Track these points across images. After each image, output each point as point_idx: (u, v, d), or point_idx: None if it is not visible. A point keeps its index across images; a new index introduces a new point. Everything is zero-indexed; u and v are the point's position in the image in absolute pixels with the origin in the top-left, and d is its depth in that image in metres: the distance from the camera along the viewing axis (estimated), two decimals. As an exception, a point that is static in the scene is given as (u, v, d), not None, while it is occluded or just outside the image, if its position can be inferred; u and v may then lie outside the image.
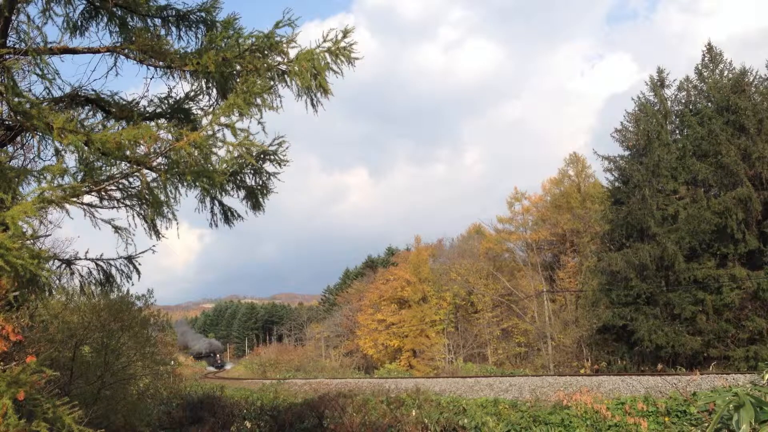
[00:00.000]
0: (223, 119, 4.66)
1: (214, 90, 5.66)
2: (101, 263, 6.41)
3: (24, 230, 3.86)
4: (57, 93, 5.48)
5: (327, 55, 5.21)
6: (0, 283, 3.87)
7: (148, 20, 5.81)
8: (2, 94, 4.29)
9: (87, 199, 5.17)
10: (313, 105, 5.44)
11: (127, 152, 4.49)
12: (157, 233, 5.85)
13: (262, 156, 6.07)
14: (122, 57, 5.59)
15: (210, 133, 4.62)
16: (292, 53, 5.28)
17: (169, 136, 4.64)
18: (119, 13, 5.64)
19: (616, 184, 32.38)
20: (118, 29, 5.73)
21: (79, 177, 4.72)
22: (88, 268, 6.41)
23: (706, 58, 30.61)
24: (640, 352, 28.53)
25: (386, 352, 51.96)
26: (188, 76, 5.51)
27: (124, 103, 5.94)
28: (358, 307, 60.57)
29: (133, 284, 6.58)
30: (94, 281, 6.51)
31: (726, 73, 29.80)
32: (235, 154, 4.73)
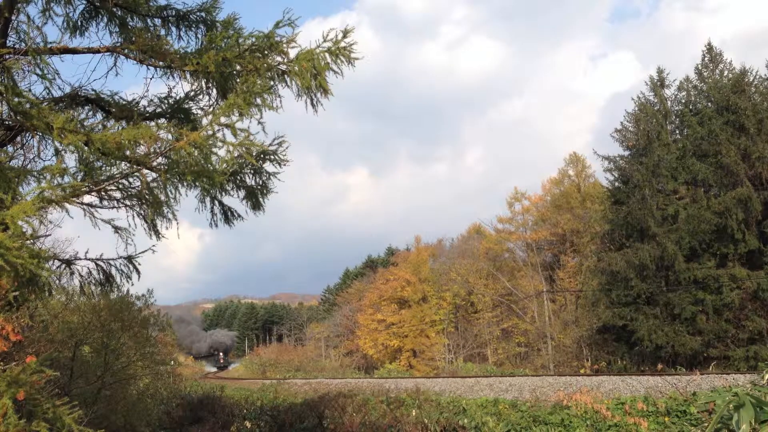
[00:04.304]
0: (223, 119, 4.66)
1: (214, 90, 5.66)
2: (101, 263, 6.40)
3: (24, 230, 3.86)
4: (57, 93, 5.48)
5: (327, 55, 5.21)
6: (0, 283, 3.87)
7: (148, 20, 5.81)
8: (2, 94, 4.29)
9: (87, 199, 5.17)
10: (313, 105, 5.44)
11: (127, 152, 4.48)
12: (157, 233, 5.85)
13: (262, 156, 6.07)
14: (122, 57, 5.59)
15: (210, 133, 4.61)
16: (292, 53, 5.28)
17: (169, 136, 4.63)
18: (119, 13, 5.64)
19: (616, 184, 32.38)
20: (118, 29, 5.73)
21: (79, 177, 4.72)
22: (88, 268, 6.40)
23: (706, 58, 30.62)
24: (640, 352, 28.54)
25: (386, 352, 51.96)
26: (188, 76, 5.50)
27: (124, 103, 5.94)
28: (358, 307, 60.58)
29: (133, 284, 6.58)
30: (94, 281, 6.50)
31: (726, 73, 29.81)
32: (235, 154, 4.72)
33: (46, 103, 4.97)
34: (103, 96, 5.88)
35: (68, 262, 6.29)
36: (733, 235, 25.76)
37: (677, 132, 31.30)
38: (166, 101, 6.03)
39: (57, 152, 4.60)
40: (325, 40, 5.20)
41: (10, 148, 5.32)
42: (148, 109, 6.01)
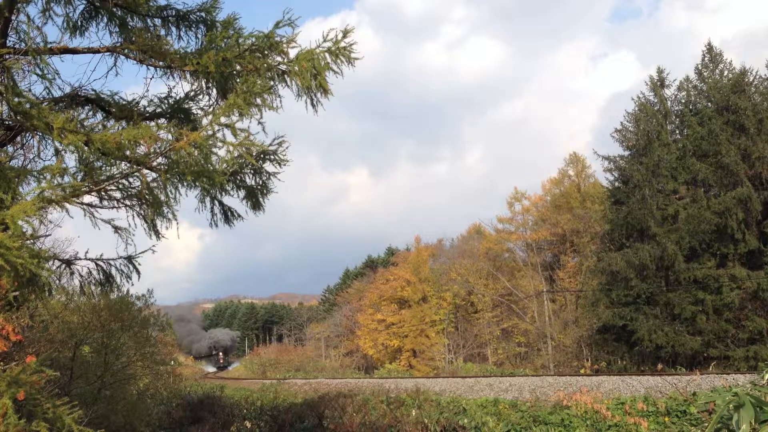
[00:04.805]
0: (223, 119, 4.66)
1: (214, 90, 5.66)
2: (101, 263, 6.40)
3: (24, 230, 3.86)
4: (57, 93, 5.48)
5: (327, 55, 5.21)
6: (0, 283, 3.87)
7: (148, 20, 5.81)
8: (2, 94, 4.29)
9: (87, 199, 5.16)
10: (313, 105, 5.44)
11: (127, 152, 4.48)
12: (157, 233, 5.84)
13: (262, 156, 6.07)
14: (122, 57, 5.59)
15: (210, 133, 4.61)
16: (292, 53, 5.28)
17: (169, 136, 4.64)
18: (119, 13, 5.63)
19: (616, 184, 32.39)
20: (118, 29, 5.72)
21: (79, 177, 4.72)
22: (88, 268, 6.40)
23: (706, 58, 30.63)
24: (640, 352, 28.53)
25: (386, 352, 51.95)
26: (188, 76, 5.50)
27: (124, 103, 5.94)
28: (358, 307, 60.58)
29: (133, 284, 6.57)
30: (94, 281, 6.50)
31: (726, 73, 29.82)
32: (235, 154, 4.72)
33: (46, 103, 4.97)
34: (103, 96, 5.87)
35: (68, 262, 6.29)
36: (733, 235, 25.76)
37: (677, 132, 31.31)
38: (166, 101, 6.03)
39: (57, 152, 4.61)
40: (325, 40, 5.21)
41: (10, 148, 5.32)
42: (148, 109, 6.01)
